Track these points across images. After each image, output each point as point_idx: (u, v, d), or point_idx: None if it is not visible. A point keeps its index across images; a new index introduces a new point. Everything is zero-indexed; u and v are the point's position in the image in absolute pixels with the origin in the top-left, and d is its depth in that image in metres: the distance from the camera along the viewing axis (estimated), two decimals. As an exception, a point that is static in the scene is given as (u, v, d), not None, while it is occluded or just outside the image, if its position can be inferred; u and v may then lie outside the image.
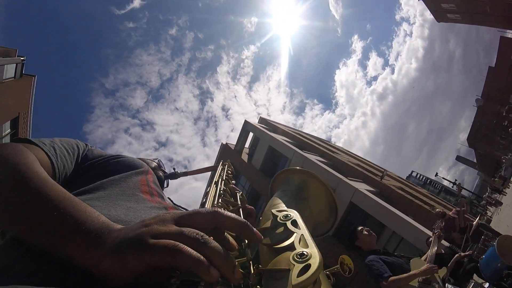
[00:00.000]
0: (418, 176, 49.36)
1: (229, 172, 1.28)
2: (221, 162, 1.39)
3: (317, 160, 16.75)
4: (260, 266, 0.51)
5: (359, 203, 13.09)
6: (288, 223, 0.56)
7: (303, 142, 21.36)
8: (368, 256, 3.20)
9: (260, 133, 21.09)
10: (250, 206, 1.07)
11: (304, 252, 0.44)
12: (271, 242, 0.55)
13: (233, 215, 0.50)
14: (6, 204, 0.55)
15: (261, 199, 18.85)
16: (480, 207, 20.44)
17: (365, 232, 3.39)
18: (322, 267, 0.41)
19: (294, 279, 0.39)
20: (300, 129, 33.65)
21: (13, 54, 19.35)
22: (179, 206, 1.11)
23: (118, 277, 0.43)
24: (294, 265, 0.42)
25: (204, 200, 0.80)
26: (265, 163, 19.33)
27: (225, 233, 0.51)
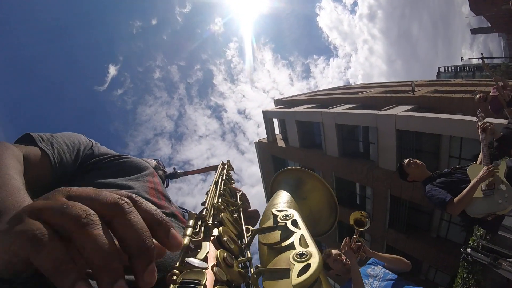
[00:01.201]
0: (447, 69, 47.77)
1: (229, 172, 1.29)
2: (221, 162, 1.39)
3: (346, 109, 16.56)
4: (260, 266, 0.53)
5: (404, 127, 12.79)
6: (288, 223, 0.57)
7: (325, 100, 21.13)
8: (424, 186, 3.16)
9: (282, 114, 21.04)
10: (252, 209, 1.15)
11: (304, 251, 0.45)
12: (271, 242, 0.55)
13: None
14: None
15: (316, 172, 18.78)
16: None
17: (412, 165, 3.32)
18: (322, 267, 0.41)
19: (294, 279, 0.39)
20: (316, 90, 33.22)
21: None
22: (184, 209, 1.16)
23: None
24: (294, 264, 0.42)
25: (205, 199, 0.81)
26: (302, 138, 19.26)
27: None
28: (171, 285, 0.42)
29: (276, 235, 0.56)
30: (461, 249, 5.24)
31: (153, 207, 0.41)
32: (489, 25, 36.04)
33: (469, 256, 5.00)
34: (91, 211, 0.34)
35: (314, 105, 20.48)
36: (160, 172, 1.51)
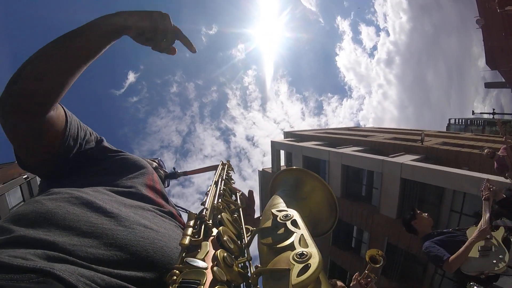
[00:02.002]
0: (457, 121, 47.82)
1: (229, 172, 1.29)
2: (221, 162, 1.39)
3: (354, 151, 16.58)
4: (260, 266, 0.54)
5: (410, 176, 12.76)
6: (288, 223, 0.57)
7: (334, 139, 21.21)
8: (423, 243, 3.23)
9: (290, 147, 21.09)
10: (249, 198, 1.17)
11: (304, 252, 0.45)
12: (271, 242, 0.56)
13: None
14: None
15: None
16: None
17: (424, 215, 3.40)
18: (321, 267, 0.42)
19: (294, 279, 0.39)
20: (326, 127, 33.34)
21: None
22: (180, 208, 1.14)
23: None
24: (294, 265, 0.43)
25: (205, 199, 0.82)
26: (306, 174, 19.07)
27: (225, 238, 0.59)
28: (171, 285, 0.44)
29: (276, 235, 0.57)
30: None
31: None
32: (503, 80, 36.17)
33: None
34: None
35: (322, 143, 20.54)
36: (161, 172, 1.52)
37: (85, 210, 0.65)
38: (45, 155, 0.86)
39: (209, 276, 0.46)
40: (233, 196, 1.05)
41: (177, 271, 0.46)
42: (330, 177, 16.75)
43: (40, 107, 0.78)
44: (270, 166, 23.64)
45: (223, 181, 1.04)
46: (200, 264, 0.49)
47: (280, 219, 0.59)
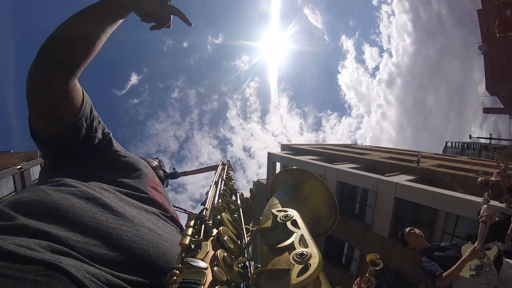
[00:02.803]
0: (454, 144, 47.93)
1: (229, 172, 1.30)
2: (221, 162, 1.40)
3: (349, 167, 16.61)
4: (260, 266, 0.53)
5: (404, 196, 12.79)
6: (288, 223, 0.57)
7: (331, 154, 21.22)
8: (421, 256, 3.37)
9: (286, 160, 21.06)
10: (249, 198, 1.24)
11: (304, 252, 0.45)
12: (271, 242, 0.56)
13: None
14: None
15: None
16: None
17: (412, 235, 3.53)
18: (321, 267, 0.41)
19: (294, 279, 0.39)
20: (323, 143, 33.40)
21: (35, 156, 20.15)
22: (180, 208, 1.20)
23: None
24: (294, 265, 0.42)
25: (205, 199, 0.81)
26: (301, 188, 19.04)
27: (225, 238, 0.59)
28: (171, 285, 0.44)
29: (276, 235, 0.57)
30: None
31: None
32: (502, 106, 36.35)
33: None
34: None
35: (319, 158, 20.55)
36: (161, 172, 1.53)
37: (91, 205, 0.65)
38: (61, 125, 0.85)
39: (209, 276, 0.46)
40: (233, 196, 1.04)
41: (177, 271, 0.46)
42: (325, 193, 16.63)
43: (76, 65, 0.82)
44: (265, 178, 23.56)
45: (223, 181, 1.04)
46: (200, 264, 0.49)
47: (280, 219, 0.59)
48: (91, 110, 0.93)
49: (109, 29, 0.89)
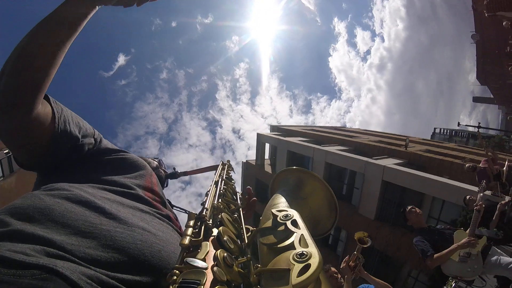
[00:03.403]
0: (442, 131, 48.38)
1: (229, 172, 1.29)
2: (221, 162, 1.39)
3: (338, 150, 16.71)
4: (260, 266, 0.53)
5: (391, 179, 12.98)
6: (288, 223, 0.57)
7: (320, 136, 21.32)
8: (416, 235, 3.59)
9: (276, 141, 21.17)
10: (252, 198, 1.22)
11: (304, 252, 0.45)
12: (271, 242, 0.56)
13: None
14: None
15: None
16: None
17: (413, 213, 3.76)
18: (322, 267, 0.41)
19: (294, 279, 0.39)
20: (313, 125, 33.44)
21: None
22: (179, 208, 1.19)
23: None
24: (294, 265, 0.42)
25: (205, 199, 0.81)
26: (290, 169, 19.13)
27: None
28: (171, 285, 0.43)
29: (276, 235, 0.57)
30: None
31: None
32: (492, 96, 36.69)
33: None
34: None
35: (308, 139, 20.65)
36: (161, 172, 1.52)
37: (84, 209, 0.65)
38: (38, 151, 0.83)
39: (209, 276, 0.45)
40: (233, 196, 1.03)
41: (177, 271, 0.46)
42: (313, 174, 16.74)
43: (29, 100, 0.76)
44: (254, 159, 23.60)
45: (223, 181, 1.04)
46: (200, 264, 0.48)
47: (280, 219, 0.60)
48: (70, 124, 0.89)
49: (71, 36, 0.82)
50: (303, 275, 0.39)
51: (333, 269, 3.11)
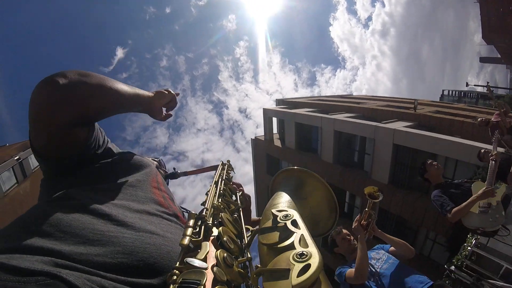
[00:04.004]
0: (451, 93, 47.84)
1: (229, 172, 1.29)
2: (221, 162, 1.40)
3: (346, 117, 16.57)
4: (260, 266, 0.53)
5: (402, 142, 12.85)
6: (288, 223, 0.57)
7: (327, 105, 21.19)
8: (434, 190, 3.55)
9: (282, 114, 21.07)
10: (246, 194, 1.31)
11: (304, 252, 0.45)
12: (271, 242, 0.56)
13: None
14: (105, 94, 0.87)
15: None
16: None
17: (434, 166, 3.73)
18: (322, 267, 0.41)
19: (294, 279, 0.39)
20: (319, 95, 33.14)
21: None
22: (184, 209, 1.16)
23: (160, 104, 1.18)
24: (294, 265, 0.42)
25: (205, 199, 0.82)
26: (299, 141, 19.33)
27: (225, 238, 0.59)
28: (171, 285, 0.43)
29: (276, 235, 0.57)
30: (445, 265, 5.33)
31: None
32: (499, 55, 36.12)
33: (453, 274, 5.06)
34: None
35: (315, 110, 20.51)
36: (161, 172, 1.52)
37: (91, 217, 0.66)
38: (70, 151, 0.86)
39: (209, 276, 0.45)
40: (233, 196, 1.04)
41: (177, 271, 0.46)
42: (323, 144, 16.88)
43: (93, 117, 0.89)
44: (263, 134, 23.55)
45: (223, 181, 1.04)
46: (200, 264, 0.48)
47: (280, 219, 0.60)
48: (99, 137, 0.95)
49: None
50: (303, 275, 0.39)
51: (344, 231, 3.02)
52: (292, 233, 0.53)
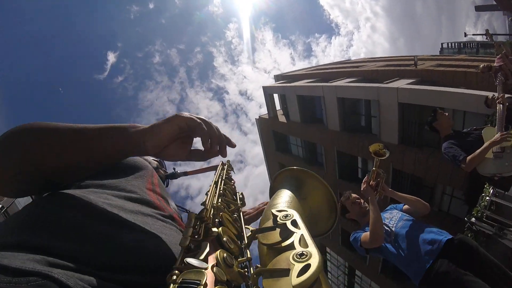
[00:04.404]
0: (450, 45, 47.22)
1: (229, 172, 1.29)
2: (221, 162, 1.40)
3: (347, 82, 16.44)
4: (260, 266, 0.54)
5: (407, 100, 12.70)
6: (288, 223, 0.57)
7: (326, 74, 20.99)
8: (444, 142, 3.49)
9: (282, 89, 20.91)
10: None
11: (304, 252, 0.45)
12: (271, 242, 0.56)
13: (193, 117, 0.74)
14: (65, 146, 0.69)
15: (317, 147, 18.97)
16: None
17: (443, 115, 3.66)
18: (322, 267, 0.41)
19: (294, 279, 0.39)
20: (317, 65, 32.90)
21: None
22: (184, 209, 1.21)
23: (158, 146, 0.70)
24: (294, 265, 0.43)
25: (205, 199, 0.82)
26: (303, 113, 19.22)
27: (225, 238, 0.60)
28: (171, 285, 0.43)
29: (276, 235, 0.57)
30: (465, 218, 5.35)
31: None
32: (494, 2, 35.52)
33: (474, 226, 5.07)
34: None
35: (315, 79, 20.36)
36: (161, 172, 1.53)
37: (85, 216, 0.65)
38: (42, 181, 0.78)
39: (209, 276, 0.45)
40: (233, 196, 1.03)
41: (177, 271, 0.46)
42: (327, 113, 16.79)
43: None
44: (267, 113, 23.51)
45: (223, 181, 1.04)
46: (200, 264, 0.48)
47: (280, 219, 0.60)
48: None
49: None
50: (303, 275, 0.39)
51: (353, 195, 2.99)
52: (292, 233, 0.53)
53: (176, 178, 1.76)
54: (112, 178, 0.88)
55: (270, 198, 0.88)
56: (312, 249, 0.46)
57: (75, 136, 0.70)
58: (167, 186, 1.62)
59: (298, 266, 0.41)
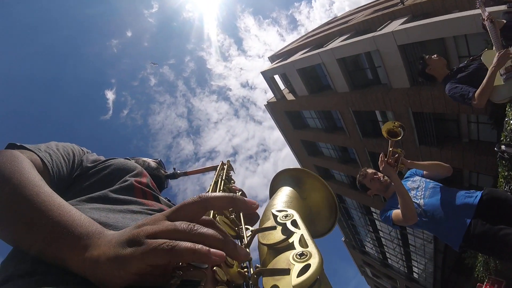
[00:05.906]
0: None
1: (229, 172, 1.29)
2: (221, 162, 1.40)
3: (341, 41, 16.19)
4: (260, 266, 0.54)
5: (406, 40, 12.43)
6: (288, 223, 0.57)
7: (318, 39, 20.65)
8: (445, 85, 3.22)
9: (281, 68, 20.76)
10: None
11: (304, 252, 0.45)
12: (271, 242, 0.56)
13: (218, 194, 0.54)
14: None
15: (333, 113, 18.86)
16: None
17: (431, 59, 3.34)
18: (322, 267, 0.42)
19: (294, 279, 0.40)
20: (305, 34, 32.39)
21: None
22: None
23: (118, 281, 0.45)
24: (294, 265, 0.43)
25: None
26: (309, 85, 19.06)
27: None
28: (171, 285, 0.43)
29: (276, 235, 0.57)
30: (495, 148, 5.10)
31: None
32: None
33: (505, 154, 4.89)
34: (192, 223, 0.48)
35: (309, 48, 20.10)
36: (161, 173, 1.53)
37: None
38: None
39: (209, 276, 0.46)
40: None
41: (177, 271, 0.46)
42: (332, 77, 16.63)
43: None
44: (273, 96, 23.47)
45: (223, 181, 1.05)
46: (200, 264, 0.48)
47: (280, 219, 0.60)
48: (62, 167, 0.89)
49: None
50: (303, 275, 0.39)
51: (369, 171, 2.88)
52: (292, 233, 0.54)
53: (176, 178, 1.77)
54: (101, 184, 0.91)
55: (269, 198, 0.86)
56: (312, 249, 0.46)
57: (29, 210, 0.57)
58: (167, 186, 1.63)
59: (298, 266, 0.42)
